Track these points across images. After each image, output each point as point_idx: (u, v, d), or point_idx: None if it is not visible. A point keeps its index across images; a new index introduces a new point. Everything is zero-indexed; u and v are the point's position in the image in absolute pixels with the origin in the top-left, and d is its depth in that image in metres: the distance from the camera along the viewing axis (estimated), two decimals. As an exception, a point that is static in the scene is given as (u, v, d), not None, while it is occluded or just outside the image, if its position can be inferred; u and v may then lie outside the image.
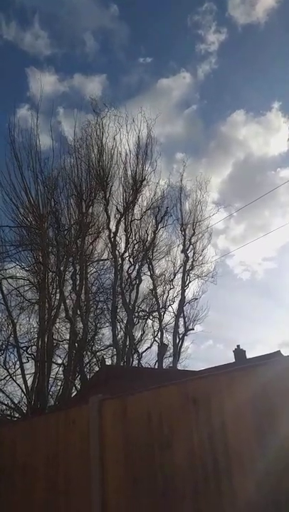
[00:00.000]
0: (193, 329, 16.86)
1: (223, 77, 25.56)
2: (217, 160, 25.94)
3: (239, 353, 18.83)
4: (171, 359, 16.32)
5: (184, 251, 17.26)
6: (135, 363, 15.15)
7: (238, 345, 19.30)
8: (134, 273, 15.81)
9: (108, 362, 14.65)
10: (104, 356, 15.04)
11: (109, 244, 14.80)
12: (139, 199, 15.68)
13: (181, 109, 26.94)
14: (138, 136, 15.74)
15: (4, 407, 12.97)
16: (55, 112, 24.27)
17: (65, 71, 27.49)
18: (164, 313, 17.12)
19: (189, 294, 17.39)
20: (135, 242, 15.80)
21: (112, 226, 14.85)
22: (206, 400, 3.54)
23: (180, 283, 17.13)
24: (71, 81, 26.37)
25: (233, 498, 3.20)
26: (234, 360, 18.63)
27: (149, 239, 16.20)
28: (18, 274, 13.67)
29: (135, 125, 15.65)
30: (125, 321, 15.17)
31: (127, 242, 15.30)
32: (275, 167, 28.18)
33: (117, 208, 14.98)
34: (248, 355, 18.59)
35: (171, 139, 24.74)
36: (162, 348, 15.90)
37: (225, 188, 25.47)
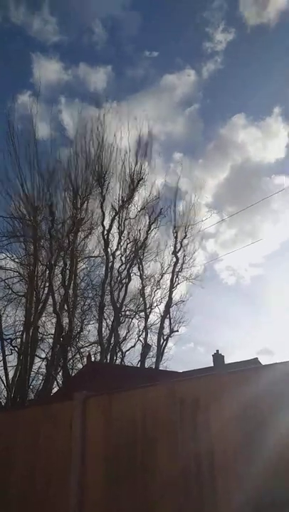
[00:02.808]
0: (178, 331, 16.89)
1: (227, 78, 25.48)
2: (214, 162, 25.99)
3: (218, 357, 18.95)
4: (153, 359, 16.35)
5: (175, 253, 17.28)
6: (118, 361, 15.13)
7: (217, 350, 19.42)
8: (125, 272, 15.78)
9: (92, 359, 14.59)
10: (90, 353, 14.99)
11: (102, 241, 14.74)
12: (135, 198, 15.67)
13: (183, 108, 26.91)
14: (139, 135, 15.70)
15: (-17, 398, 12.81)
16: (57, 101, 23.94)
17: (71, 59, 27.07)
18: (150, 313, 17.14)
19: (176, 296, 17.44)
20: (128, 241, 15.79)
21: (106, 223, 14.80)
22: (194, 402, 3.55)
23: (168, 284, 17.17)
24: (76, 70, 26.08)
25: (214, 501, 3.21)
26: (212, 365, 18.80)
27: (141, 238, 16.20)
28: (7, 266, 13.53)
29: (137, 123, 15.61)
30: (112, 319, 15.14)
31: (119, 240, 15.26)
32: (270, 173, 28.34)
33: (112, 205, 14.94)
34: (227, 360, 18.75)
35: (171, 137, 24.69)
36: (146, 348, 15.89)
37: (219, 192, 25.55)
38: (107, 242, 14.64)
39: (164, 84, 24.58)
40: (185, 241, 17.49)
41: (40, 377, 13.51)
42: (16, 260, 13.67)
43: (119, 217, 15.13)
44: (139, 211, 15.95)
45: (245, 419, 3.12)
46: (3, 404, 12.56)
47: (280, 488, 2.90)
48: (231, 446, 3.17)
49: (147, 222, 16.44)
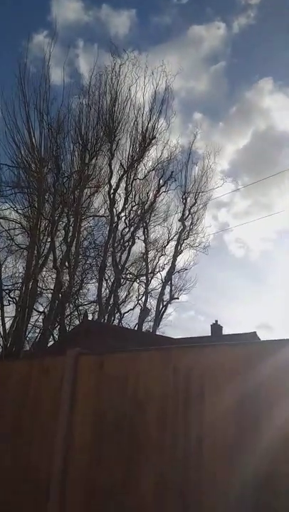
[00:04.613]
0: (178, 298, 16.93)
1: (258, 36, 23.70)
2: (235, 127, 24.81)
3: (216, 328, 19.14)
4: (151, 324, 16.48)
5: (182, 220, 16.94)
6: (116, 322, 15.25)
7: (216, 321, 19.58)
8: (128, 234, 15.54)
9: (90, 317, 14.69)
10: (87, 311, 15.08)
11: (108, 201, 14.37)
12: (145, 158, 15.10)
13: (208, 64, 25.23)
14: (155, 91, 14.91)
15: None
16: (75, 45, 22.32)
17: None
18: (152, 278, 17.08)
19: (180, 263, 17.29)
20: (134, 203, 15.39)
21: (114, 182, 14.35)
22: (187, 371, 3.41)
23: (172, 251, 16.96)
24: (97, 12, 24.21)
25: (199, 468, 3.14)
26: (210, 334, 18.99)
27: (148, 202, 15.80)
28: (10, 216, 13.28)
29: (154, 78, 14.77)
30: (112, 280, 15.08)
31: (125, 202, 14.89)
32: (294, 144, 27.20)
33: (121, 164, 14.42)
34: (225, 332, 18.90)
35: (192, 94, 23.33)
36: (145, 312, 15.98)
37: (237, 159, 24.59)
38: (112, 202, 14.28)
39: (190, 35, 22.98)
40: (194, 208, 17.11)
41: (37, 331, 13.66)
42: (19, 212, 13.40)
43: (127, 177, 14.68)
44: (148, 172, 15.46)
45: (246, 398, 2.96)
46: (-1, 353, 12.76)
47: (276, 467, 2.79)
48: (221, 417, 3.05)
49: (156, 185, 15.99)
